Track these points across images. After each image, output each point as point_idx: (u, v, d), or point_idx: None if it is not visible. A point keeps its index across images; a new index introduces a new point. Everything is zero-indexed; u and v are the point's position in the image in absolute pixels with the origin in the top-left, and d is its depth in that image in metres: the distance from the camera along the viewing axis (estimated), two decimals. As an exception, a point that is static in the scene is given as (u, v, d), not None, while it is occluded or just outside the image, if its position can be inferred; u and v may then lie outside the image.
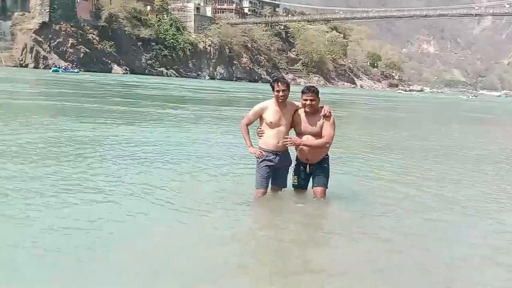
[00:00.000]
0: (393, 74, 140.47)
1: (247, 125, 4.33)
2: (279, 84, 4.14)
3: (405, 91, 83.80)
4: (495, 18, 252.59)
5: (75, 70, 55.10)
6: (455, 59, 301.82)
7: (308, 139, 4.22)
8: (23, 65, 60.30)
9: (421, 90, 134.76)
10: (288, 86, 4.19)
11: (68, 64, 60.37)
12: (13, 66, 57.33)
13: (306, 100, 4.19)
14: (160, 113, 13.39)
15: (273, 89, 4.20)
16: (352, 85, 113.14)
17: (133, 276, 2.76)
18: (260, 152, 4.24)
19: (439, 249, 3.52)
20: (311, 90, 4.23)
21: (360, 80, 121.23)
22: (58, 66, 56.88)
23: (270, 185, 4.46)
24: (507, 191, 5.62)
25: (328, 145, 4.26)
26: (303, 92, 4.24)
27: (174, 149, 7.25)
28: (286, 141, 4.19)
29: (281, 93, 4.13)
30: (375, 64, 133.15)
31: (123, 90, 26.04)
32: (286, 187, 4.53)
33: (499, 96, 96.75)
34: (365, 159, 7.34)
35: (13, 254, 2.93)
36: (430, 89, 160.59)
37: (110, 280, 2.67)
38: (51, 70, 52.49)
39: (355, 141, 9.96)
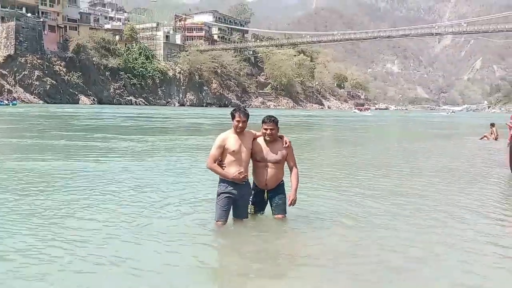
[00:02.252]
0: (359, 94, 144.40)
1: (215, 162, 4.40)
2: (241, 115, 4.33)
3: (360, 110, 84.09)
4: (455, 36, 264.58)
5: (4, 102, 51.37)
6: (418, 77, 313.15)
7: (290, 181, 4.65)
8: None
9: (386, 108, 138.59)
10: (247, 117, 4.38)
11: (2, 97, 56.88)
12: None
13: (266, 129, 4.48)
14: (114, 145, 13.41)
15: (233, 118, 4.38)
16: (320, 106, 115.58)
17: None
18: (239, 173, 4.35)
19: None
20: (271, 120, 4.50)
21: (328, 101, 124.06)
22: None
23: (232, 217, 4.57)
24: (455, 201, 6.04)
25: (297, 172, 4.69)
26: (263, 122, 4.51)
27: (132, 180, 7.27)
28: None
29: (240, 124, 4.33)
30: (342, 85, 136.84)
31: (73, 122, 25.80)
32: (247, 217, 4.64)
33: (461, 110, 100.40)
34: (329, 178, 7.65)
35: None
36: (395, 106, 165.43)
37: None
38: None
39: (321, 162, 10.32)
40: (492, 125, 18.07)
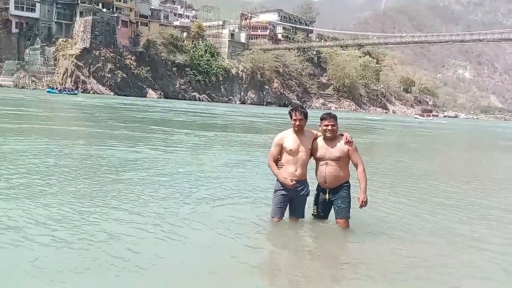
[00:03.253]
0: (427, 100, 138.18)
1: (274, 161, 4.41)
2: (297, 113, 4.29)
3: (422, 116, 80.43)
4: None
5: (74, 92, 55.22)
6: (492, 85, 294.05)
7: (360, 178, 4.35)
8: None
9: (456, 116, 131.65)
10: (305, 115, 4.33)
11: (64, 86, 60.46)
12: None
13: (327, 125, 4.32)
14: (186, 136, 13.71)
15: (291, 117, 4.35)
16: (384, 111, 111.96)
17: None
18: (291, 180, 4.29)
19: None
20: (331, 116, 4.37)
21: (393, 105, 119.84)
22: (53, 87, 57.21)
23: (288, 215, 4.53)
24: None
25: (364, 169, 4.36)
26: (323, 119, 4.37)
27: (189, 173, 7.40)
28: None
29: (297, 122, 4.29)
30: (409, 89, 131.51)
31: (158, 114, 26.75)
32: (303, 217, 4.56)
33: None
34: (394, 187, 7.32)
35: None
36: (465, 115, 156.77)
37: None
38: (46, 91, 54.07)
39: (385, 168, 9.92)
40: None
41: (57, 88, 56.45)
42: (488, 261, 4.07)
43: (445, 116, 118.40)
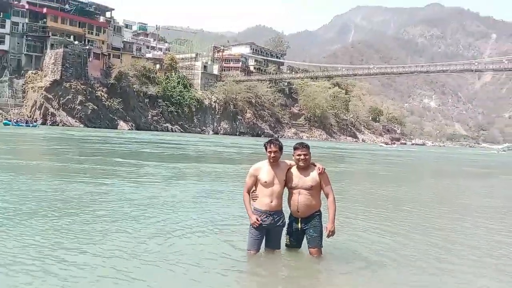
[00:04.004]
0: (395, 128, 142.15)
1: (248, 192, 4.53)
2: (272, 146, 4.41)
3: (387, 144, 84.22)
4: (495, 73, 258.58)
5: (33, 124, 53.48)
6: (457, 113, 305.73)
7: (329, 207, 4.52)
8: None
9: (423, 144, 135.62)
10: (280, 148, 4.45)
11: (21, 118, 58.53)
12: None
13: (300, 155, 4.46)
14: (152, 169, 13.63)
15: (266, 150, 4.47)
16: (354, 139, 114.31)
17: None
18: (256, 219, 4.39)
19: None
20: (304, 146, 4.52)
21: (362, 134, 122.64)
22: (8, 119, 55.36)
23: (264, 247, 4.56)
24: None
25: (334, 199, 4.53)
26: (296, 148, 4.51)
27: (159, 204, 7.32)
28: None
29: (272, 154, 4.41)
30: (377, 119, 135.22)
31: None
32: (279, 248, 4.61)
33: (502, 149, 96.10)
34: (364, 213, 7.47)
35: None
36: (432, 142, 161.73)
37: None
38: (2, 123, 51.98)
39: (354, 195, 10.13)
40: None
41: (13, 120, 54.53)
42: (458, 282, 4.22)
43: (413, 144, 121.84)
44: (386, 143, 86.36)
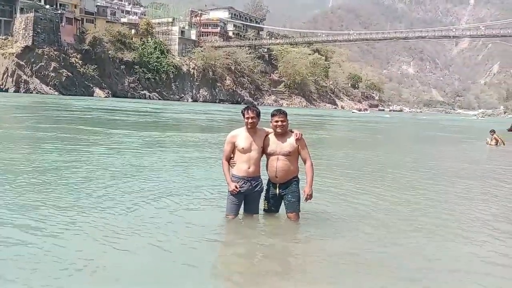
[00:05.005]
0: (374, 95, 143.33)
1: (227, 159, 4.55)
2: (249, 112, 4.42)
3: (360, 110, 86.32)
4: (472, 40, 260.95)
5: None
6: (434, 80, 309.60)
7: (307, 172, 4.53)
8: (4, 89, 59.63)
9: (401, 110, 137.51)
10: (258, 114, 4.46)
11: None
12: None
13: (277, 121, 4.49)
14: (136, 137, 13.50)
15: (243, 116, 4.47)
16: (334, 106, 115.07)
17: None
18: (235, 187, 4.44)
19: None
20: (281, 112, 4.56)
21: (341, 101, 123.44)
22: None
23: (242, 211, 4.64)
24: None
25: (311, 165, 4.55)
26: (273, 115, 4.52)
27: (138, 172, 7.26)
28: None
29: (250, 120, 4.41)
30: (356, 85, 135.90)
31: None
32: (257, 213, 4.68)
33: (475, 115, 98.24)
34: (341, 178, 7.59)
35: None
36: (409, 109, 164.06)
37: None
38: None
39: (332, 162, 10.26)
40: (493, 132, 17.54)
41: None
42: (437, 246, 4.36)
43: (390, 110, 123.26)
44: (359, 110, 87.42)
